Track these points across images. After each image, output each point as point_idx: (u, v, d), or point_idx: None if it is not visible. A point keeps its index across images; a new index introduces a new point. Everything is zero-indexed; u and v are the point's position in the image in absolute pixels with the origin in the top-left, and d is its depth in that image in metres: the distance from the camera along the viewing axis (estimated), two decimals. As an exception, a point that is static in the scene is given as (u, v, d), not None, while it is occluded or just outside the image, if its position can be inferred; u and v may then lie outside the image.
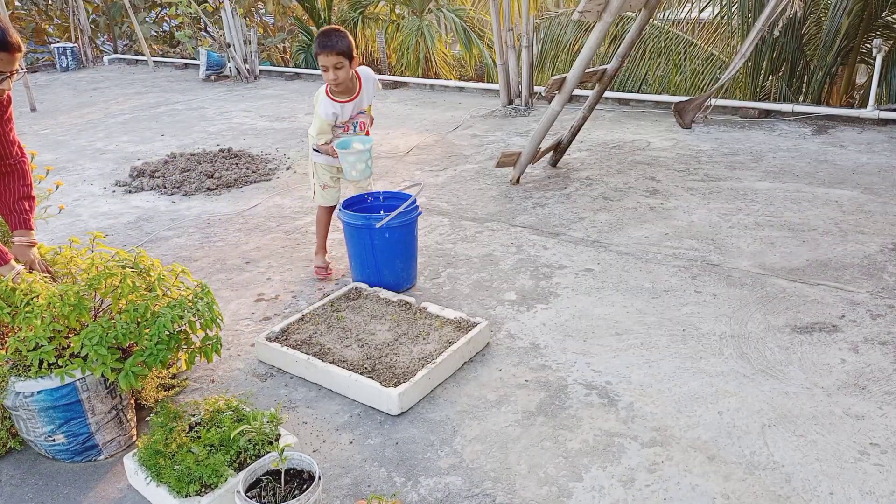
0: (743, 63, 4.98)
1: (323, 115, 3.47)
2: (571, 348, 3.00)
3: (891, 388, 2.63)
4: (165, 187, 5.46)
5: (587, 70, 4.91)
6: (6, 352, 2.31)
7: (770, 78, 7.78)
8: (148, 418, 2.54)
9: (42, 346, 2.23)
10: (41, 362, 2.27)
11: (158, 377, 2.79)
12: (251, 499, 1.95)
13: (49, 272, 2.67)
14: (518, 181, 5.13)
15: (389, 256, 3.45)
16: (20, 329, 2.28)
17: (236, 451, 2.22)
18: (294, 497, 1.94)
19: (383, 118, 7.51)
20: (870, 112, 6.08)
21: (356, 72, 3.49)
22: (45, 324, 2.23)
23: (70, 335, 2.30)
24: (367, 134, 3.66)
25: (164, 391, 2.78)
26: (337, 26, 3.42)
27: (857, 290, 3.35)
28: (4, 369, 2.32)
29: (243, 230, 4.56)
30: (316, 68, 11.55)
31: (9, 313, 2.30)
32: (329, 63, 3.30)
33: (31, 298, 2.28)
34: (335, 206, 3.73)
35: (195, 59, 11.26)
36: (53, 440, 2.39)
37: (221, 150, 6.36)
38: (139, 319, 2.34)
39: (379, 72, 11.35)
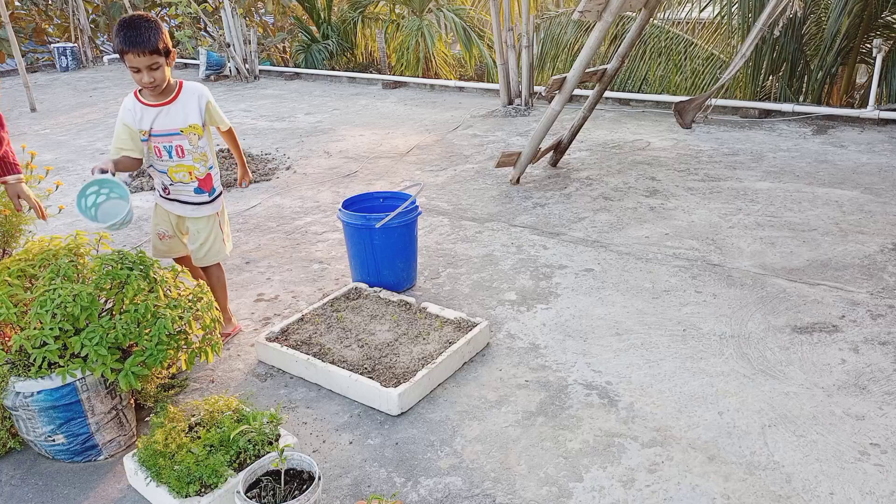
0: (743, 63, 4.98)
1: (120, 114, 2.81)
2: (571, 348, 3.00)
3: (891, 388, 2.62)
4: (165, 187, 5.45)
5: (587, 70, 4.91)
6: (10, 349, 2.31)
7: (770, 78, 7.78)
8: (148, 418, 2.54)
9: (48, 344, 2.23)
10: (42, 361, 2.26)
11: (158, 377, 2.79)
12: (251, 499, 1.95)
13: (39, 208, 2.75)
14: (518, 181, 5.13)
15: (389, 256, 3.44)
16: (26, 327, 2.28)
17: (236, 452, 2.22)
18: (294, 497, 1.94)
19: (383, 118, 7.51)
20: (870, 112, 6.08)
21: (180, 81, 2.85)
22: (55, 322, 2.23)
23: (73, 335, 2.30)
24: (196, 168, 2.88)
25: (164, 391, 2.78)
26: (144, 13, 2.70)
27: (857, 290, 3.35)
28: (4, 369, 2.32)
29: (243, 230, 4.56)
30: (316, 67, 11.55)
31: (15, 313, 2.30)
32: (141, 64, 2.62)
33: (46, 292, 2.28)
34: (185, 257, 3.10)
35: (195, 59, 11.26)
36: (53, 440, 2.39)
37: (221, 150, 6.36)
38: (139, 320, 2.34)
39: (379, 71, 11.35)
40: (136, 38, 2.57)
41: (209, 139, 2.94)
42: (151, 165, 2.92)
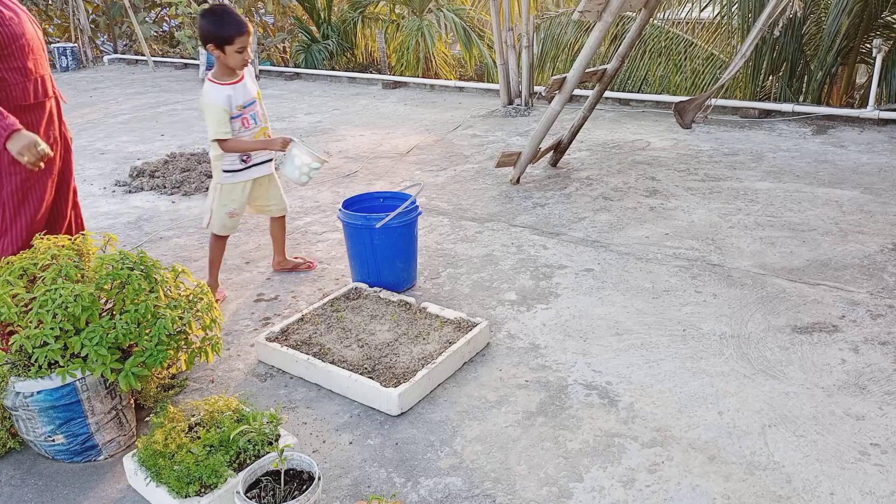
0: (743, 63, 4.98)
1: (214, 100, 3.13)
2: (571, 348, 3.00)
3: (891, 388, 2.62)
4: (165, 187, 5.46)
5: (587, 70, 4.91)
6: (10, 349, 2.31)
7: (770, 78, 7.78)
8: (148, 418, 2.54)
9: (49, 343, 2.23)
10: (43, 361, 2.26)
11: (158, 377, 2.79)
12: (251, 499, 1.95)
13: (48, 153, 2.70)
14: (518, 181, 5.13)
15: (389, 256, 3.44)
16: (27, 326, 2.28)
17: (236, 452, 2.22)
18: (294, 497, 1.94)
19: (383, 118, 7.51)
20: (870, 112, 6.08)
21: None
22: (57, 322, 2.23)
23: (73, 335, 2.30)
24: (266, 128, 3.39)
25: (164, 391, 2.78)
26: (223, 4, 3.30)
27: (857, 290, 3.35)
28: (4, 369, 2.32)
29: (243, 230, 4.56)
30: (317, 67, 11.55)
31: (16, 313, 2.30)
32: (247, 43, 3.14)
33: (48, 292, 2.28)
34: (228, 237, 3.53)
35: (195, 59, 11.27)
36: (53, 440, 2.39)
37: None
38: (140, 320, 2.34)
39: (379, 71, 11.36)
40: (242, 22, 3.10)
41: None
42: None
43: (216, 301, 3.14)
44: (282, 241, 3.79)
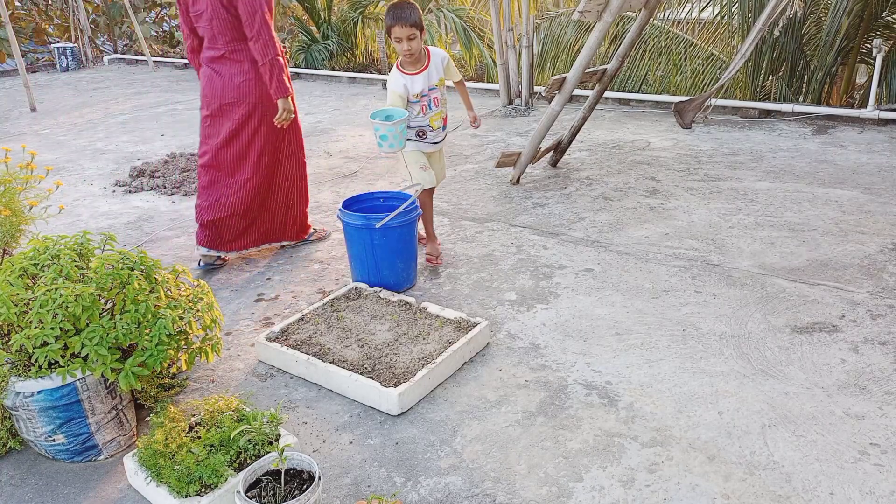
0: (743, 63, 4.98)
1: (393, 86, 3.59)
2: (571, 348, 3.00)
3: (891, 388, 2.63)
4: (165, 187, 5.46)
5: (587, 70, 4.91)
6: (10, 349, 2.31)
7: (770, 78, 7.77)
8: (148, 418, 2.54)
9: (49, 343, 2.24)
10: (43, 361, 2.26)
11: (158, 377, 2.79)
12: (251, 499, 1.95)
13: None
14: (518, 181, 5.13)
15: (389, 256, 3.45)
16: (27, 326, 2.28)
17: (236, 452, 2.22)
18: (294, 497, 1.94)
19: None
20: (870, 112, 6.08)
21: (426, 48, 3.63)
22: (57, 321, 2.23)
23: (74, 335, 2.30)
24: (443, 112, 3.76)
25: (164, 391, 2.78)
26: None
27: (857, 290, 3.35)
28: (4, 369, 2.32)
29: (243, 230, 4.56)
30: (317, 67, 11.55)
31: (15, 313, 2.30)
32: (403, 34, 3.44)
33: (46, 292, 2.28)
34: (434, 188, 3.82)
35: (195, 59, 11.24)
36: (53, 440, 2.39)
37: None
38: (140, 320, 2.34)
39: (379, 71, 11.36)
40: (401, 14, 3.41)
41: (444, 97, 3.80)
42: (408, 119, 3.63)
43: (434, 262, 3.81)
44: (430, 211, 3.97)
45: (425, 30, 3.54)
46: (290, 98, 3.72)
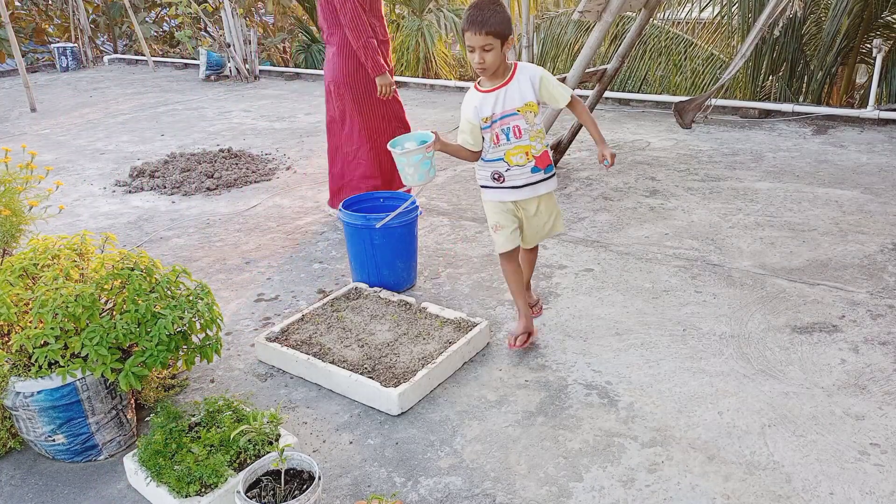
0: (743, 63, 4.98)
1: (462, 109, 2.82)
2: (571, 348, 3.00)
3: (891, 388, 2.63)
4: (165, 187, 5.46)
5: (587, 70, 4.91)
6: (10, 349, 2.31)
7: (770, 78, 7.78)
8: (148, 418, 2.54)
9: (49, 343, 2.24)
10: (44, 360, 2.27)
11: (158, 377, 2.79)
12: (251, 499, 1.95)
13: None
14: (518, 181, 5.12)
15: (389, 256, 3.45)
16: (27, 326, 2.28)
17: (236, 451, 2.22)
18: (294, 497, 1.94)
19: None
20: (870, 112, 6.08)
21: (515, 63, 2.79)
22: (57, 321, 2.23)
23: (73, 335, 2.30)
24: (533, 147, 2.81)
25: (164, 391, 2.78)
26: None
27: (857, 290, 3.35)
28: (4, 369, 2.32)
29: (243, 230, 4.56)
30: (316, 68, 11.55)
31: (15, 313, 2.31)
32: (476, 44, 2.61)
33: (46, 292, 2.28)
34: (517, 250, 2.98)
35: (195, 59, 11.26)
36: (53, 440, 2.39)
37: (221, 150, 6.36)
38: (140, 320, 2.34)
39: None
40: (477, 17, 2.59)
41: (543, 123, 3.11)
42: (482, 159, 2.84)
43: (515, 345, 2.98)
44: (527, 273, 3.20)
45: (512, 40, 2.70)
46: (386, 74, 4.12)
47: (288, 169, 5.87)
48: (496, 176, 2.84)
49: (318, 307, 3.27)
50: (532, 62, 7.47)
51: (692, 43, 8.18)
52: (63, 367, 2.26)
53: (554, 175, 2.91)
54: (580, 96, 7.06)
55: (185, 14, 10.74)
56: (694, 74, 8.02)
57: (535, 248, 3.18)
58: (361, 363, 2.82)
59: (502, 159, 2.78)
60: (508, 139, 2.75)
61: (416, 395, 2.67)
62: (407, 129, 4.37)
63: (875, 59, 6.18)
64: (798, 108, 6.47)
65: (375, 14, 4.13)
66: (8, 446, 2.51)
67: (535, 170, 2.81)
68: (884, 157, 5.26)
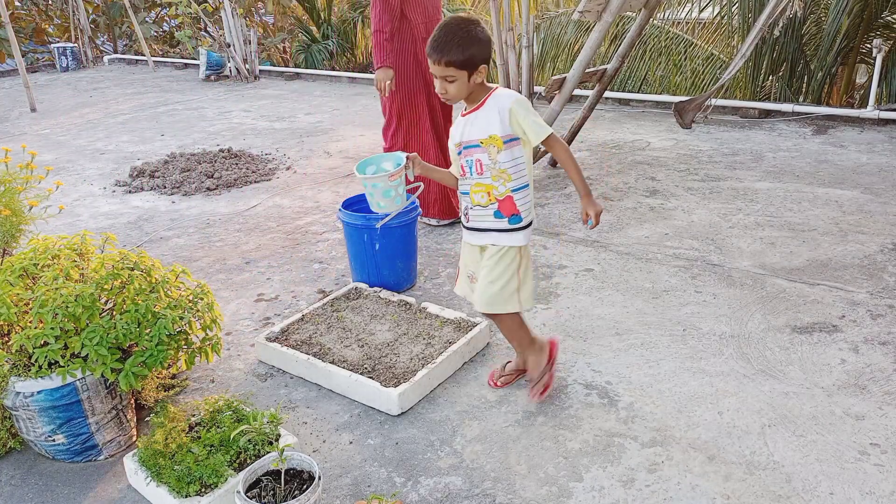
0: (743, 63, 4.98)
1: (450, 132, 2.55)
2: (571, 348, 3.00)
3: (891, 388, 2.63)
4: (165, 187, 5.46)
5: (587, 70, 4.91)
6: (10, 349, 2.31)
7: (770, 78, 7.78)
8: (148, 418, 2.54)
9: (49, 343, 2.24)
10: (44, 360, 2.27)
11: (158, 377, 2.79)
12: (251, 499, 1.95)
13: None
14: (518, 181, 5.11)
15: (389, 256, 3.45)
16: (27, 326, 2.28)
17: (236, 452, 2.22)
18: (294, 497, 1.94)
19: (384, 118, 7.50)
20: (870, 112, 6.08)
21: (495, 88, 2.42)
22: (57, 321, 2.23)
23: (73, 335, 2.30)
24: (494, 188, 2.45)
25: (164, 391, 2.78)
26: (467, 17, 2.38)
27: (857, 290, 3.35)
28: (4, 369, 2.32)
29: (243, 230, 4.56)
30: (317, 67, 11.56)
31: (15, 313, 2.31)
32: (436, 73, 2.33)
33: (46, 292, 2.28)
34: (510, 311, 2.55)
35: (195, 59, 11.27)
36: (53, 440, 2.39)
37: (221, 150, 6.36)
38: (140, 320, 2.34)
39: (379, 72, 11.34)
40: (436, 43, 2.29)
41: (528, 157, 2.44)
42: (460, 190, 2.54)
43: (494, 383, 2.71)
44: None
45: (484, 69, 2.36)
46: (384, 69, 3.93)
47: (288, 169, 5.87)
48: (465, 213, 2.54)
49: (318, 307, 3.27)
50: (532, 62, 7.45)
51: (692, 43, 8.18)
52: (63, 367, 2.26)
53: (521, 230, 2.47)
54: (580, 96, 7.03)
55: (185, 14, 10.74)
56: (694, 74, 8.02)
57: (503, 320, 2.58)
58: (361, 363, 2.82)
59: (468, 194, 2.48)
60: (472, 173, 2.44)
61: (416, 395, 2.67)
62: (432, 142, 4.22)
63: (875, 59, 6.18)
64: (798, 108, 6.47)
65: (418, 9, 3.99)
66: (8, 446, 2.51)
67: (497, 214, 2.45)
68: (884, 157, 5.26)
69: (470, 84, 2.34)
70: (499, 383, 2.74)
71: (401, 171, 2.39)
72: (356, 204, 3.64)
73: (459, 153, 2.45)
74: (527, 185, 2.46)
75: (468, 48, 2.27)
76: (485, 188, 2.43)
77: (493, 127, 2.36)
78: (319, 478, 1.98)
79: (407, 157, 2.45)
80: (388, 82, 3.93)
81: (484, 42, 2.33)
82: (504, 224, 2.46)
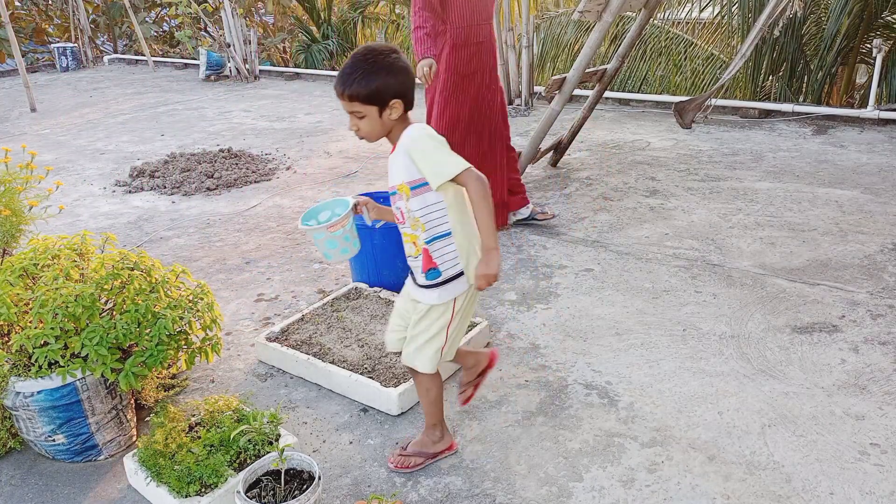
0: (743, 63, 4.98)
1: None
2: (571, 348, 3.00)
3: (891, 388, 2.63)
4: (165, 187, 5.46)
5: (587, 70, 4.91)
6: (10, 349, 2.31)
7: (770, 78, 7.78)
8: (148, 418, 2.54)
9: (49, 343, 2.24)
10: (44, 360, 2.27)
11: (158, 377, 2.79)
12: (251, 499, 1.95)
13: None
14: (518, 181, 5.11)
15: (389, 256, 3.44)
16: (27, 326, 2.28)
17: (236, 451, 2.22)
18: (294, 497, 1.94)
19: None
20: (870, 112, 6.08)
21: (409, 125, 2.09)
22: (57, 321, 2.23)
23: (73, 335, 2.30)
24: (416, 237, 2.15)
25: (164, 391, 2.78)
26: (381, 45, 2.08)
27: (857, 290, 3.35)
28: (4, 369, 2.32)
29: (243, 230, 4.56)
30: (317, 67, 11.56)
31: (15, 313, 2.31)
32: (344, 108, 2.06)
33: (46, 292, 2.28)
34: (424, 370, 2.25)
35: (195, 59, 11.26)
36: (53, 440, 2.39)
37: (221, 150, 6.36)
38: (140, 320, 2.34)
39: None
40: (341, 75, 2.02)
41: (453, 200, 2.08)
42: None
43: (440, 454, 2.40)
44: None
45: (399, 105, 2.02)
46: (426, 58, 3.75)
47: (288, 169, 5.87)
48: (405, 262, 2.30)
49: (318, 307, 3.27)
50: (532, 62, 7.46)
51: (692, 43, 8.18)
52: (63, 367, 2.26)
53: (438, 286, 2.14)
54: (580, 96, 7.01)
55: (185, 14, 10.75)
56: (694, 74, 8.02)
57: (421, 379, 2.29)
58: (361, 363, 2.82)
59: (403, 242, 2.23)
60: (401, 220, 2.18)
61: (416, 395, 2.67)
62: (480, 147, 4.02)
63: (875, 59, 6.18)
64: (798, 108, 6.47)
65: (453, 8, 3.78)
66: (8, 446, 2.51)
67: (425, 274, 2.17)
68: (884, 157, 5.26)
69: (383, 121, 2.03)
70: (398, 463, 2.37)
71: (342, 220, 2.15)
72: (356, 204, 3.64)
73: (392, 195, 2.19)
74: (446, 234, 2.10)
75: (373, 80, 1.98)
76: (410, 238, 2.17)
77: (400, 173, 2.09)
78: (319, 478, 1.98)
79: (356, 204, 2.23)
80: (427, 69, 3.75)
81: (397, 72, 2.01)
82: (422, 279, 2.17)
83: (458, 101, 3.94)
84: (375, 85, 1.98)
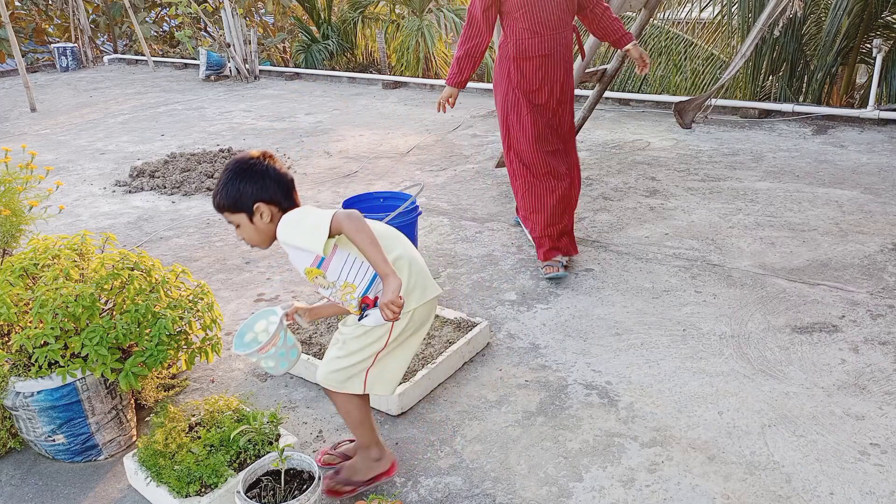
0: (743, 63, 4.98)
1: None
2: (571, 348, 3.00)
3: (891, 388, 2.63)
4: (165, 187, 5.46)
5: (587, 70, 4.91)
6: (10, 349, 2.31)
7: (770, 78, 7.78)
8: (148, 418, 2.54)
9: (49, 343, 2.24)
10: (43, 360, 2.27)
11: (158, 377, 2.79)
12: (251, 499, 1.95)
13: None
14: (518, 181, 5.11)
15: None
16: (27, 326, 2.28)
17: (236, 451, 2.22)
18: (294, 497, 1.94)
19: (383, 118, 7.52)
20: (870, 112, 6.08)
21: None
22: (57, 321, 2.23)
23: (73, 335, 2.30)
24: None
25: (164, 391, 2.79)
26: (244, 154, 2.08)
27: (857, 290, 3.35)
28: (4, 369, 2.32)
29: (243, 230, 4.56)
30: (317, 67, 11.57)
31: (15, 313, 2.31)
32: (225, 218, 2.08)
33: (46, 292, 2.28)
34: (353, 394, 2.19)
35: (195, 59, 11.27)
36: (53, 440, 2.39)
37: (221, 150, 6.36)
38: (140, 320, 2.34)
39: (379, 71, 11.37)
40: (215, 188, 2.05)
41: (351, 264, 2.05)
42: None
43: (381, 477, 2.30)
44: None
45: (259, 208, 2.00)
46: (448, 87, 3.64)
47: (288, 169, 5.86)
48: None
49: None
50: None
51: (692, 43, 8.18)
52: (63, 367, 2.26)
53: (373, 311, 2.07)
54: (580, 96, 7.02)
55: (185, 14, 10.75)
56: (694, 74, 8.02)
57: (339, 400, 2.19)
58: (361, 363, 2.82)
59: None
60: (335, 300, 2.13)
61: (416, 395, 2.67)
62: (513, 168, 3.73)
63: (875, 59, 6.18)
64: (798, 108, 6.47)
65: (527, 18, 3.46)
66: (8, 446, 2.51)
67: (364, 307, 2.08)
68: (884, 157, 5.26)
69: (256, 226, 2.02)
70: (321, 459, 2.37)
71: (273, 340, 2.06)
72: (356, 204, 3.64)
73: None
74: (375, 276, 2.03)
75: (232, 188, 1.99)
76: (351, 299, 2.07)
77: (298, 264, 2.07)
78: (320, 478, 1.99)
79: (286, 314, 2.15)
80: (444, 99, 3.64)
81: (256, 177, 2.00)
82: (358, 315, 2.11)
83: (521, 120, 3.60)
84: (236, 194, 2.00)
